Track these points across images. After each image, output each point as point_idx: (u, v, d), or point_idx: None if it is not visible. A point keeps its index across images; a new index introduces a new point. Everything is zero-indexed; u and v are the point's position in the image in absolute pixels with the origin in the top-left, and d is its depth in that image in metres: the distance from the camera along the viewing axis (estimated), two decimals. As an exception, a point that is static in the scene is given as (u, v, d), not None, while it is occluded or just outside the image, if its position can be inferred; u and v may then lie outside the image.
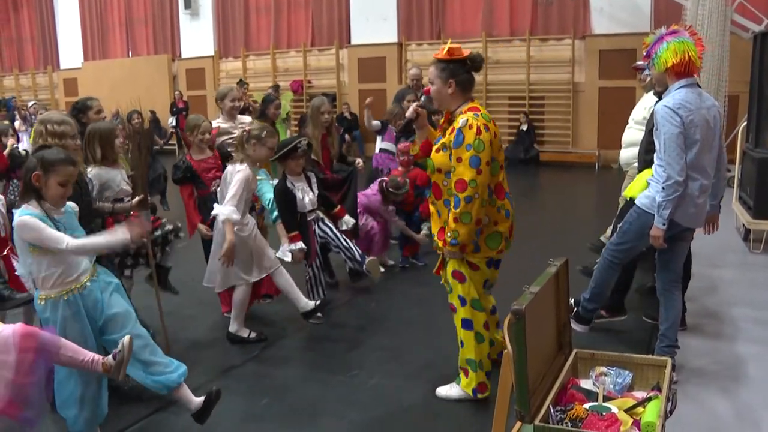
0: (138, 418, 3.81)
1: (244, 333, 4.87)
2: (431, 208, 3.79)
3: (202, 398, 3.47)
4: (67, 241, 3.06)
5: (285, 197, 5.11)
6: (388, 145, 7.39)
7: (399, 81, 15.08)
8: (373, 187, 6.33)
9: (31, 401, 2.80)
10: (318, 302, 4.87)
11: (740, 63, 9.91)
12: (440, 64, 3.59)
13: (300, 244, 5.02)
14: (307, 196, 5.13)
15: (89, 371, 3.08)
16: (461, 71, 3.58)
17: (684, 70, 3.76)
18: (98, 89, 18.00)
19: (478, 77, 13.65)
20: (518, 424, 2.77)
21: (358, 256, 5.17)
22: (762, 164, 6.63)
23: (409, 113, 3.81)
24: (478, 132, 3.41)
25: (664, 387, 2.70)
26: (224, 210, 4.51)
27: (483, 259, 3.66)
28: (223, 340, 4.92)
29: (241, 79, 13.19)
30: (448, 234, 3.54)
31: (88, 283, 3.27)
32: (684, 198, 3.77)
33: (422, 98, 3.85)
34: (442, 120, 3.76)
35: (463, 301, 3.76)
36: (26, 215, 3.08)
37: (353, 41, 16.25)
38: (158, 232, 4.74)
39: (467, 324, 3.77)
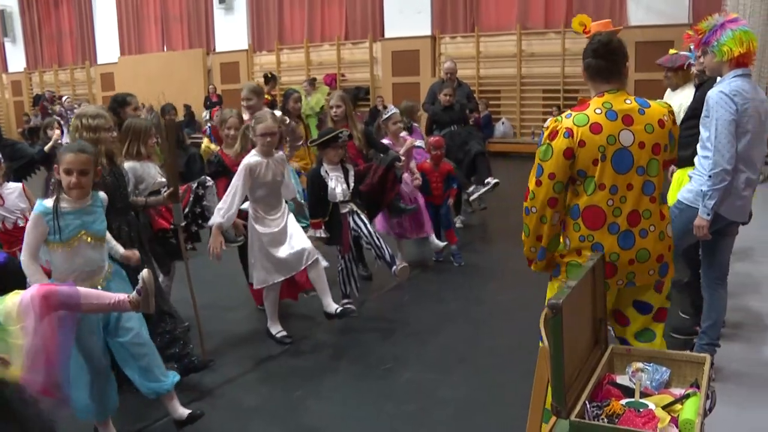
0: (160, 416, 3.78)
1: (274, 329, 4.87)
2: None
3: (187, 412, 3.59)
4: (27, 259, 3.15)
5: (316, 183, 5.10)
6: (419, 142, 7.28)
7: (432, 74, 15.00)
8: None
9: (61, 373, 2.84)
10: (340, 310, 4.67)
11: (783, 53, 9.68)
12: None
13: (319, 232, 5.00)
14: (340, 185, 5.09)
15: (118, 311, 3.17)
16: (587, 56, 3.04)
17: (745, 61, 3.67)
18: (134, 84, 18.22)
19: (511, 70, 13.55)
20: (553, 419, 2.75)
21: (388, 257, 5.14)
22: (805, 158, 6.48)
23: None
24: (551, 137, 2.88)
25: (703, 384, 2.65)
26: (213, 217, 4.55)
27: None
28: (258, 333, 4.97)
29: (269, 74, 13.08)
30: None
31: (99, 287, 3.28)
32: (730, 190, 3.65)
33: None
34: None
35: None
36: (36, 210, 3.20)
37: (387, 34, 16.21)
38: (192, 198, 4.80)
39: None
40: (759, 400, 3.72)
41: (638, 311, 3.11)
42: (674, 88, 5.28)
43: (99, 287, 3.27)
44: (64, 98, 15.44)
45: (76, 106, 12.90)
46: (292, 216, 4.82)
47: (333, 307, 4.66)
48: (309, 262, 4.65)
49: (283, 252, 4.64)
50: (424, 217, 6.26)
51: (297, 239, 4.69)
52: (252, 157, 4.59)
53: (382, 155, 5.66)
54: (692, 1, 12.65)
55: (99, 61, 21.53)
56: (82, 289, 3.00)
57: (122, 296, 3.07)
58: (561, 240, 3.06)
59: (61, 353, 2.83)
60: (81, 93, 21.29)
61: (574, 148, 2.83)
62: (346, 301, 5.15)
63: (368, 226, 5.22)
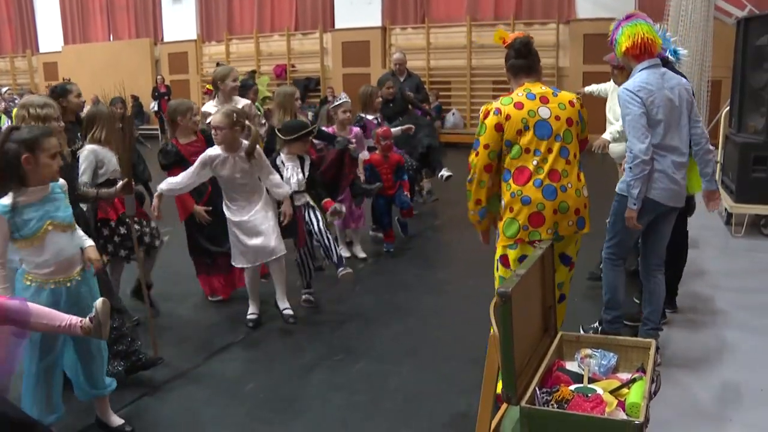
0: (123, 405, 3.78)
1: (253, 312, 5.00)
2: None
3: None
4: None
5: None
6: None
7: (383, 65, 15.01)
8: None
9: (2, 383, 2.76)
10: (291, 318, 4.84)
11: (723, 48, 9.93)
12: None
13: None
14: (295, 176, 5.06)
15: (68, 334, 3.07)
16: (510, 57, 3.69)
17: (640, 53, 3.82)
18: (79, 74, 17.76)
19: (461, 62, 13.63)
20: (504, 405, 2.79)
21: (335, 258, 5.08)
22: (744, 149, 6.68)
23: None
24: (485, 116, 3.51)
25: (648, 368, 2.72)
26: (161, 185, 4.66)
27: (505, 248, 3.52)
28: (209, 325, 4.93)
29: (218, 63, 12.93)
30: None
31: (77, 278, 3.22)
32: (653, 176, 3.77)
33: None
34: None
35: None
36: None
37: (337, 25, 16.14)
38: (144, 230, 4.77)
39: None
40: (700, 381, 3.83)
41: (562, 263, 3.59)
42: (619, 85, 5.39)
43: (74, 281, 3.19)
44: (3, 89, 14.92)
45: (17, 97, 12.48)
46: (270, 213, 4.81)
47: (283, 305, 4.91)
48: (274, 257, 4.78)
49: (251, 240, 4.73)
50: (358, 211, 6.36)
51: (267, 235, 4.74)
52: (213, 150, 4.67)
53: (333, 143, 5.68)
54: (638, -5, 12.93)
55: (41, 50, 20.90)
56: (35, 307, 2.89)
57: (74, 320, 2.95)
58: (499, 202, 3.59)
59: (6, 365, 2.75)
60: (23, 83, 20.66)
61: (502, 122, 3.46)
62: (306, 291, 5.28)
63: (320, 223, 5.13)
